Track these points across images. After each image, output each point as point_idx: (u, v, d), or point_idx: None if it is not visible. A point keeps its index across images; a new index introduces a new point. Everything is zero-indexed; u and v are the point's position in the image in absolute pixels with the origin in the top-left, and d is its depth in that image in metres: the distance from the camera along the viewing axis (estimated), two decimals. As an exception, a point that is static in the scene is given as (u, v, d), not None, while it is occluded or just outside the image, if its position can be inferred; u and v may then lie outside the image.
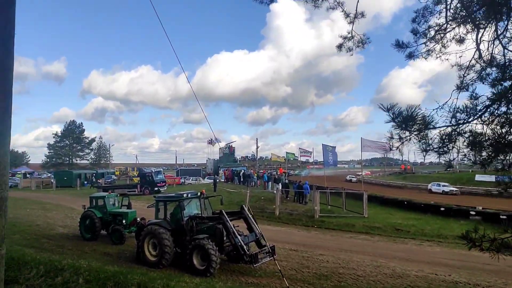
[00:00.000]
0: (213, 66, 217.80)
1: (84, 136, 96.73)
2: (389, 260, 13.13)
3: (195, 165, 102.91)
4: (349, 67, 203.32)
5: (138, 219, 15.65)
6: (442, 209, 22.23)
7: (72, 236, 18.28)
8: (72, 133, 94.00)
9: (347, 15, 5.50)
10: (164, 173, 49.55)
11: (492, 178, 46.03)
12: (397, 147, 3.36)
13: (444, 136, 3.37)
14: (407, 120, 3.05)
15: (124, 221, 16.81)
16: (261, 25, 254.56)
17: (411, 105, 3.06)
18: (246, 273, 11.97)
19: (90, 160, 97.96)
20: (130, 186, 40.77)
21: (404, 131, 3.17)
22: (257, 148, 67.33)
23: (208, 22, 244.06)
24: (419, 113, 3.04)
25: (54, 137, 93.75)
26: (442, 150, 3.44)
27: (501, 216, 18.35)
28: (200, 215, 13.62)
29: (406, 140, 3.27)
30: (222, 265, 12.19)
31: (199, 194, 14.37)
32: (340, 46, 5.77)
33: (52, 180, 53.82)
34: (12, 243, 15.80)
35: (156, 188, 38.12)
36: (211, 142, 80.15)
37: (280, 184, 30.65)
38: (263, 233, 12.86)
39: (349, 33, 5.54)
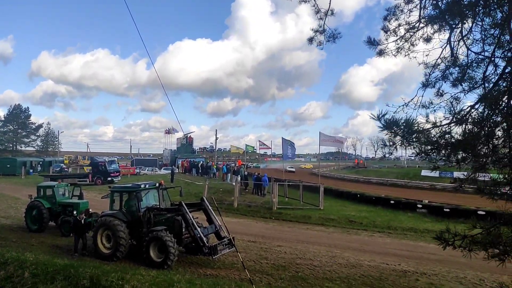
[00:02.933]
0: (175, 54, 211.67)
1: (30, 121, 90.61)
2: (343, 251, 13.64)
3: (151, 155, 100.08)
4: (311, 62, 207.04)
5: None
6: (392, 202, 23.43)
7: (16, 227, 17.11)
8: (17, 118, 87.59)
9: (318, 10, 5.51)
10: (118, 163, 47.75)
11: (436, 174, 49.51)
12: (390, 153, 3.45)
13: (431, 138, 3.49)
14: (393, 125, 3.13)
15: (75, 212, 15.98)
16: (225, 14, 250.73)
17: (410, 118, 3.13)
18: (205, 265, 11.89)
19: (36, 147, 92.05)
20: (81, 176, 38.88)
21: (396, 137, 3.26)
22: (216, 139, 66.61)
23: (171, 8, 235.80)
24: (409, 119, 3.12)
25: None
26: (430, 151, 3.57)
27: (444, 209, 19.70)
28: (158, 206, 13.28)
29: (398, 145, 3.36)
30: (180, 257, 12.02)
31: (157, 185, 13.98)
32: (311, 40, 5.78)
33: (-7, 168, 49.85)
34: None
35: (109, 178, 36.70)
36: (168, 131, 78.22)
37: (239, 176, 30.67)
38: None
39: (320, 26, 5.57)
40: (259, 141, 38.86)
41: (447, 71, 4.70)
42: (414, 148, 3.44)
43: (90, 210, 15.60)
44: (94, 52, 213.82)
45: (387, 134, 3.23)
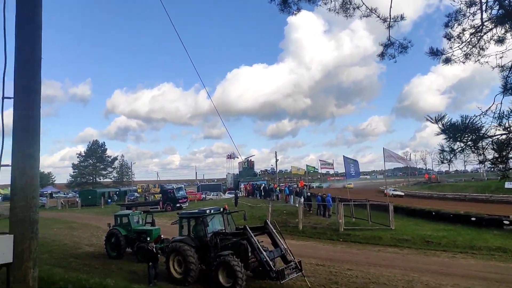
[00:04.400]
0: (233, 81, 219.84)
1: (106, 155, 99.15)
2: (421, 274, 12.59)
3: (215, 180, 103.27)
4: (370, 76, 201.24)
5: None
6: (473, 219, 21.34)
7: (98, 254, 18.46)
8: (95, 153, 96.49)
9: (384, 20, 5.36)
10: (185, 189, 49.88)
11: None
12: (450, 159, 3.17)
13: (501, 145, 3.16)
14: (460, 131, 2.87)
15: (148, 238, 16.83)
16: (279, 38, 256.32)
17: (466, 116, 2.89)
18: (273, 289, 11.69)
19: (113, 178, 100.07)
20: (152, 203, 41.15)
21: (455, 143, 2.99)
22: (276, 161, 67.01)
23: (226, 38, 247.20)
24: (475, 123, 2.86)
25: (78, 157, 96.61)
26: (498, 160, 3.22)
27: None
28: (224, 231, 13.51)
29: (459, 152, 3.08)
30: (248, 282, 11.95)
31: (221, 209, 14.28)
32: (382, 55, 5.63)
33: (77, 199, 54.96)
34: (41, 262, 16.05)
35: (178, 205, 38.33)
36: (230, 156, 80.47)
37: (302, 197, 30.21)
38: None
39: (388, 39, 5.40)
40: (320, 160, 38.22)
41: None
42: (479, 155, 3.09)
43: (162, 236, 16.39)
44: (160, 86, 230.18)
45: (445, 138, 2.95)
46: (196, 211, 14.46)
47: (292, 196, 35.91)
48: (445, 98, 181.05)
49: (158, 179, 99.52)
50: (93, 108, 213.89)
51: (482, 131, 2.95)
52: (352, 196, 32.31)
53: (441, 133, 2.94)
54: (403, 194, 50.67)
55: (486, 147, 3.18)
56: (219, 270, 11.67)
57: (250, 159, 77.89)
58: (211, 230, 13.22)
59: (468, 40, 4.55)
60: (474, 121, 2.83)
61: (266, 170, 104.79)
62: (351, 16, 5.45)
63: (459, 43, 4.57)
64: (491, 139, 3.16)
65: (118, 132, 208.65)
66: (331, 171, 66.73)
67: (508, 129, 3.09)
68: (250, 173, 73.30)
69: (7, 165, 4.63)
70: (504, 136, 3.15)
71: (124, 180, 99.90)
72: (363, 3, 5.34)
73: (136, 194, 64.48)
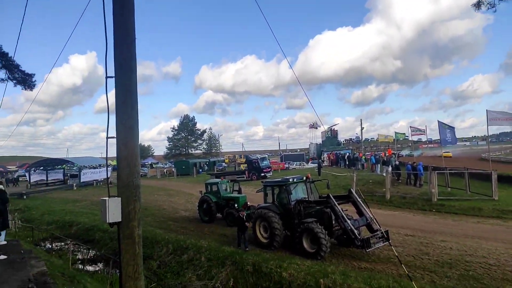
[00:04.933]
0: (316, 48, 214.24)
1: (196, 128, 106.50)
2: (529, 249, 11.26)
3: (298, 150, 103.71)
4: (473, 30, 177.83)
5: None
6: None
7: (192, 218, 20.30)
8: (187, 126, 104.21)
9: None
10: (269, 159, 51.18)
11: None
12: None
13: None
14: None
15: (236, 205, 17.91)
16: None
17: None
18: (359, 257, 11.64)
19: (202, 149, 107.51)
20: (238, 173, 43.22)
21: None
22: (361, 129, 64.12)
23: (308, 2, 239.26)
24: None
25: (172, 130, 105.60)
26: None
27: None
28: (307, 199, 13.68)
29: None
30: (333, 249, 12.07)
31: (304, 178, 14.41)
32: (477, 4, 4.95)
33: (173, 169, 60.39)
34: (145, 224, 18.31)
35: (262, 174, 39.63)
36: (313, 126, 79.61)
37: (390, 166, 28.78)
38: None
39: None
40: (410, 126, 35.49)
41: None
42: None
43: (248, 203, 17.26)
44: (243, 59, 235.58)
45: None
46: (280, 179, 14.83)
47: (378, 165, 34.48)
48: None
49: (244, 150, 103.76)
50: (183, 85, 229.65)
51: None
52: (449, 165, 29.74)
53: None
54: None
55: None
56: (303, 236, 11.96)
57: (334, 128, 76.05)
58: (295, 198, 13.49)
59: None
60: None
61: (351, 139, 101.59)
62: None
63: None
64: None
65: (206, 106, 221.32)
66: (423, 138, 61.66)
67: None
68: (334, 142, 71.81)
69: (113, 137, 5.28)
70: None
71: (213, 151, 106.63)
72: None
73: (223, 164, 68.31)
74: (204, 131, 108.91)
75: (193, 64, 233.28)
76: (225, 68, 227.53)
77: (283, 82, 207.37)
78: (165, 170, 65.02)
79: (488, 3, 4.70)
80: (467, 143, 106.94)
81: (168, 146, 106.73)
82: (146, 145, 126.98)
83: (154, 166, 77.22)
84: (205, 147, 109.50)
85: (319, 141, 74.54)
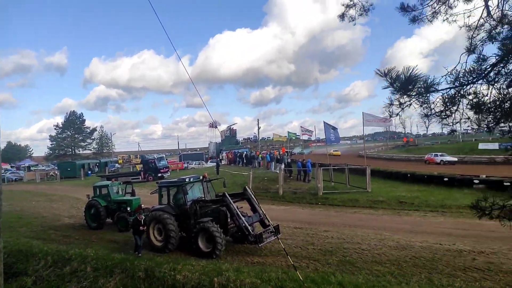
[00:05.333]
0: (216, 47, 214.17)
1: (85, 126, 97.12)
2: (393, 233, 13.18)
3: (198, 149, 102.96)
4: (354, 40, 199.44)
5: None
6: (445, 179, 22.18)
7: (78, 226, 18.45)
8: (73, 124, 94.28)
9: None
10: (167, 159, 49.68)
11: (495, 146, 46.06)
12: (397, 114, 3.20)
13: (446, 99, 3.22)
14: (406, 84, 2.88)
15: (128, 208, 16.90)
16: (263, 1, 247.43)
17: (408, 67, 2.88)
18: (252, 253, 12.07)
19: (92, 149, 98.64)
20: (133, 174, 40.91)
21: (403, 96, 3.00)
22: (258, 128, 67.15)
23: (208, 2, 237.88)
24: (419, 76, 2.86)
25: (55, 128, 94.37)
26: (444, 114, 3.29)
27: (504, 183, 18.29)
28: (203, 198, 13.65)
29: (407, 106, 3.11)
30: (228, 247, 12.28)
31: (201, 177, 14.35)
32: (342, 16, 5.51)
33: (56, 172, 54.09)
34: (19, 235, 15.99)
35: (159, 174, 38.30)
36: (212, 125, 79.92)
37: (282, 163, 30.61)
38: (267, 213, 12.90)
39: (351, 0, 5.28)
40: (301, 127, 38.46)
41: (493, 31, 4.25)
42: (424, 109, 3.14)
43: (142, 205, 16.45)
44: (140, 54, 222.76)
45: (393, 91, 2.96)
46: (176, 179, 14.49)
47: (273, 162, 36.34)
48: (428, 61, 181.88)
49: (140, 150, 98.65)
50: (70, 78, 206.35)
51: (428, 85, 2.96)
52: (333, 161, 32.94)
53: (389, 86, 2.94)
54: (456, 160, 38.58)
55: (436, 101, 3.23)
56: (199, 236, 11.91)
57: (233, 127, 77.72)
58: (191, 198, 13.33)
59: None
60: (417, 74, 2.82)
61: (249, 138, 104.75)
62: None
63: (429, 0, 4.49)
64: (441, 94, 3.20)
65: (97, 102, 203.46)
66: (312, 138, 67.33)
67: (458, 84, 3.12)
68: (233, 141, 73.40)
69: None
70: (452, 91, 3.19)
71: (104, 151, 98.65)
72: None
73: (117, 165, 63.97)
74: (95, 129, 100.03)
75: (82, 55, 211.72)
76: (120, 62, 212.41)
77: (183, 79, 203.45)
78: (46, 173, 57.82)
79: (350, 16, 5.32)
80: (348, 142, 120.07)
81: (50, 146, 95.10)
82: (22, 145, 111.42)
83: (32, 168, 67.92)
84: (96, 146, 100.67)
85: (219, 140, 75.28)
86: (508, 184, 18.06)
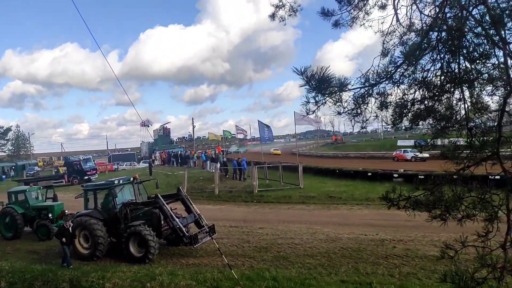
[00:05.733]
0: (147, 43, 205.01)
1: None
2: (323, 226, 13.87)
3: (129, 149, 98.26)
4: (287, 41, 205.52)
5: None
6: (369, 174, 23.92)
7: (-10, 237, 16.48)
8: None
9: None
10: (94, 160, 46.65)
11: (411, 143, 50.84)
12: (313, 111, 3.38)
13: (357, 98, 3.48)
14: (321, 83, 3.04)
15: (50, 215, 15.57)
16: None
17: (322, 66, 3.05)
18: (187, 254, 11.87)
19: (7, 151, 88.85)
20: (56, 177, 37.85)
21: (318, 95, 3.18)
22: (193, 127, 66.30)
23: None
24: (332, 76, 3.05)
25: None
26: (355, 112, 3.55)
27: (419, 176, 20.22)
28: (135, 201, 13.06)
29: (322, 104, 3.29)
30: (161, 250, 11.93)
31: (131, 179, 13.72)
32: (272, 16, 5.62)
33: (-38, 177, 47.86)
34: None
35: (86, 177, 35.90)
36: (144, 124, 76.82)
37: (218, 162, 30.54)
38: (203, 213, 12.76)
39: (279, 1, 5.41)
40: (236, 126, 38.81)
41: (404, 37, 4.66)
42: (338, 107, 3.40)
43: (66, 211, 15.24)
44: (63, 47, 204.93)
45: (308, 90, 3.16)
46: (103, 182, 13.66)
47: (208, 162, 36.09)
48: (352, 63, 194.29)
49: (63, 151, 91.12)
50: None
51: (341, 84, 3.18)
52: (267, 159, 33.66)
53: (305, 85, 3.09)
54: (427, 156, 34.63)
55: (349, 100, 3.48)
56: (130, 240, 11.38)
57: (166, 126, 75.54)
58: (121, 201, 12.66)
59: (355, 3, 4.80)
60: (329, 73, 3.02)
61: (184, 137, 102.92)
62: None
63: (347, 5, 4.79)
64: (353, 93, 3.47)
65: (12, 99, 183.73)
66: (247, 137, 68.24)
67: (368, 84, 3.40)
68: (166, 140, 71.37)
69: None
70: (362, 90, 3.46)
71: (22, 153, 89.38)
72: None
73: (36, 168, 58.40)
74: (9, 129, 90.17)
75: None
76: (39, 55, 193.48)
77: (111, 75, 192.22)
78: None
79: (280, 16, 5.50)
80: (282, 140, 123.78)
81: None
82: None
83: None
84: (11, 148, 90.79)
85: (152, 139, 72.65)
86: (422, 177, 20.01)
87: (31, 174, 49.19)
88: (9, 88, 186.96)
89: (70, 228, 11.78)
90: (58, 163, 63.71)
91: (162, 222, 11.87)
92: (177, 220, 11.60)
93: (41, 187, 18.69)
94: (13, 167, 54.91)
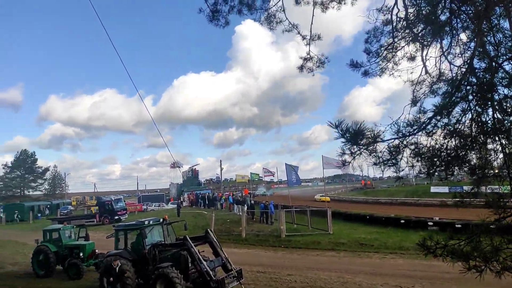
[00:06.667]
0: (180, 88, 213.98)
1: (37, 165, 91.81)
2: (355, 275, 13.28)
3: (158, 190, 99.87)
4: (314, 87, 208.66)
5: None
6: (402, 221, 22.96)
7: (24, 274, 16.92)
8: (24, 163, 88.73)
9: (303, 38, 5.73)
10: (124, 201, 47.64)
11: (445, 189, 48.78)
12: (349, 162, 3.48)
13: (391, 149, 3.56)
14: (356, 136, 3.17)
15: (81, 254, 15.85)
16: (227, 47, 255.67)
17: (357, 121, 3.19)
18: (213, 300, 11.57)
19: (44, 190, 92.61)
20: (88, 216, 38.75)
21: (353, 146, 3.29)
22: (221, 169, 66.84)
23: (174, 43, 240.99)
24: (367, 128, 3.17)
25: (4, 168, 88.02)
26: (390, 162, 3.61)
27: (456, 225, 19.22)
28: (163, 242, 13.15)
29: (357, 155, 3.39)
30: (188, 294, 11.73)
31: (161, 220, 13.91)
32: (301, 67, 5.96)
33: (1, 215, 49.90)
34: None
35: (116, 217, 36.52)
36: (174, 166, 78.49)
37: (245, 205, 30.42)
38: (230, 256, 12.59)
39: (307, 54, 5.75)
40: (263, 168, 38.92)
41: (433, 86, 4.78)
42: (373, 157, 3.46)
43: (97, 251, 15.50)
44: (102, 92, 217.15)
45: (343, 142, 3.27)
46: (134, 222, 13.93)
47: (235, 204, 36.01)
48: (380, 108, 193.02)
49: (96, 191, 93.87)
50: (24, 115, 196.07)
51: (375, 136, 3.28)
52: (294, 203, 33.17)
53: (340, 137, 3.22)
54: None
55: (383, 150, 3.56)
56: (157, 282, 11.33)
57: (195, 168, 76.71)
58: (150, 242, 12.79)
59: (383, 56, 5.02)
60: (364, 127, 3.14)
61: (211, 179, 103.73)
62: (274, 30, 5.75)
63: (376, 57, 5.02)
64: (386, 144, 3.55)
65: (52, 141, 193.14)
66: (274, 179, 68.02)
67: (401, 135, 3.48)
68: (194, 182, 72.10)
69: None
70: (397, 141, 3.54)
71: (57, 192, 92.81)
72: (286, 18, 5.65)
73: (70, 207, 60.12)
74: (47, 169, 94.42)
75: (38, 92, 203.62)
76: (79, 99, 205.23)
77: (145, 119, 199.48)
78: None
79: (308, 68, 5.81)
80: (309, 184, 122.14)
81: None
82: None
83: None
84: (48, 187, 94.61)
85: (181, 181, 73.78)
86: (460, 226, 19.00)
87: (65, 213, 50.67)
88: (50, 130, 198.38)
89: (117, 268, 11.60)
90: (91, 202, 65.53)
91: (190, 265, 11.81)
92: (204, 263, 11.51)
93: (74, 226, 19.22)
94: (48, 206, 56.89)
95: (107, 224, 34.02)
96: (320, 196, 51.51)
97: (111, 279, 11.36)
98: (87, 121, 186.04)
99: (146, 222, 13.30)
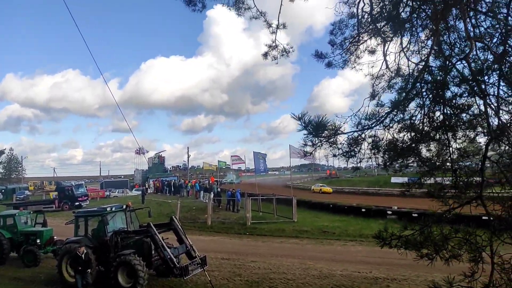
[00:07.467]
0: (148, 72, 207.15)
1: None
2: (316, 262, 13.71)
3: (122, 176, 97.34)
4: (285, 76, 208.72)
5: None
6: (363, 210, 23.89)
7: (-26, 262, 16.03)
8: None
9: (269, 25, 5.73)
10: (86, 186, 46.12)
11: (405, 180, 51.00)
12: (311, 153, 3.58)
13: (350, 141, 3.69)
14: (318, 128, 3.26)
15: (38, 241, 15.25)
16: (198, 31, 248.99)
17: (319, 114, 3.28)
18: (177, 286, 11.64)
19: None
20: (46, 202, 37.21)
21: (315, 138, 3.38)
22: (188, 157, 66.29)
23: (142, 26, 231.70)
24: (328, 121, 3.27)
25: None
26: (349, 154, 3.75)
27: (413, 214, 20.23)
28: (126, 229, 12.91)
29: (318, 147, 3.49)
30: (151, 281, 11.67)
31: (124, 207, 13.63)
32: (265, 55, 5.97)
33: (-50, 199, 46.87)
34: None
35: (77, 203, 35.38)
36: (139, 152, 76.69)
37: (212, 193, 30.38)
38: (195, 243, 12.59)
39: (273, 42, 5.76)
40: (231, 155, 38.91)
41: (391, 81, 4.96)
42: (333, 149, 3.60)
43: (55, 237, 14.98)
44: (64, 73, 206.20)
45: (305, 134, 3.38)
46: (95, 209, 13.55)
47: (202, 192, 35.88)
48: (348, 100, 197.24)
49: (55, 176, 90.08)
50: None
51: (336, 128, 3.41)
52: (261, 191, 33.52)
53: (303, 129, 3.31)
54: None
55: (343, 142, 3.70)
56: (119, 270, 11.15)
57: (161, 155, 75.43)
58: (112, 229, 12.51)
59: (347, 48, 5.15)
60: (325, 120, 3.25)
61: (178, 166, 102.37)
62: (242, 15, 5.71)
63: (340, 49, 5.13)
64: (347, 136, 3.69)
65: (8, 122, 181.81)
66: (243, 167, 68.25)
67: (361, 127, 3.63)
68: (160, 169, 70.92)
69: None
70: (356, 134, 3.69)
71: (13, 176, 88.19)
72: (255, 5, 5.61)
73: (27, 192, 57.39)
74: (2, 152, 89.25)
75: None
76: (39, 79, 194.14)
77: (110, 102, 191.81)
78: None
79: (273, 56, 5.86)
80: (276, 172, 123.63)
81: None
82: None
83: None
84: (2, 171, 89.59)
85: (146, 167, 72.28)
86: (416, 215, 20.01)
87: (21, 198, 48.34)
88: (6, 111, 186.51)
89: (83, 256, 10.99)
90: (50, 188, 62.88)
91: (153, 252, 11.70)
92: (168, 250, 11.43)
93: (31, 212, 18.43)
94: (3, 191, 54.00)
95: (67, 211, 32.88)
96: (320, 186, 49.42)
97: (80, 268, 10.97)
98: (47, 103, 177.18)
99: (108, 209, 12.98)
